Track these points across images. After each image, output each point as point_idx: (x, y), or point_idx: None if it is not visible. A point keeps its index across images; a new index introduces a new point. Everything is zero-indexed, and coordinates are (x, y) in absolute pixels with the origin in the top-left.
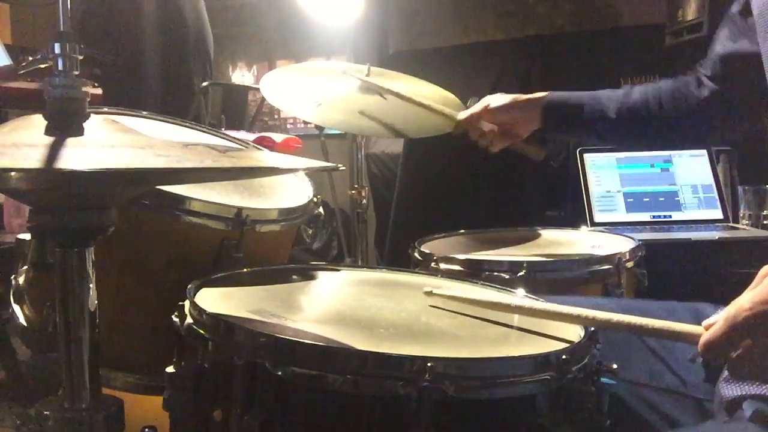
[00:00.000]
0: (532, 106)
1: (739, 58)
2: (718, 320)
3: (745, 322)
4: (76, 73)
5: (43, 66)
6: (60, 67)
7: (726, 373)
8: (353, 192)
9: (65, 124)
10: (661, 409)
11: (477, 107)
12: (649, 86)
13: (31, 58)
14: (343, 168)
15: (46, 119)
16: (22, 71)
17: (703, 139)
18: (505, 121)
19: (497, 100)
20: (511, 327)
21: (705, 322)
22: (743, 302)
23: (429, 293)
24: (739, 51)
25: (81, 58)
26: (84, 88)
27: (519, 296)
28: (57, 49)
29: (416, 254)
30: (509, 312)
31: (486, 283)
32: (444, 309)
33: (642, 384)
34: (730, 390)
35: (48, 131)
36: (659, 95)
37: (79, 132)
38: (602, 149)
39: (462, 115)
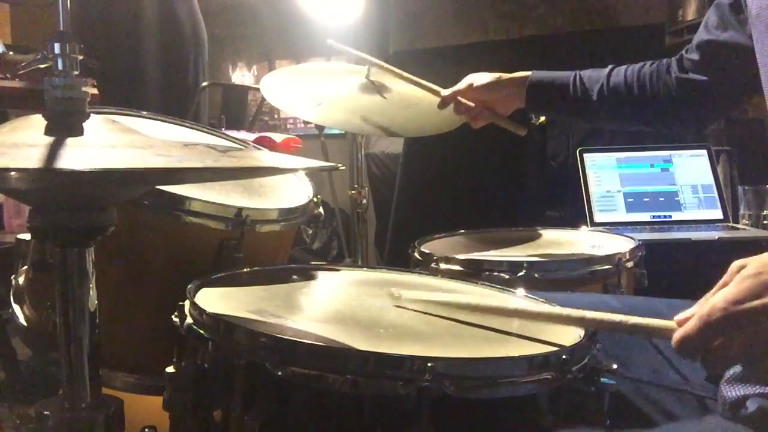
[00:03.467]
0: (515, 85)
1: (724, 47)
2: (691, 318)
3: (719, 322)
4: (76, 73)
5: (43, 66)
6: (60, 67)
7: (728, 374)
8: (353, 192)
9: (65, 124)
10: (663, 406)
11: (461, 84)
12: (633, 67)
13: (31, 58)
14: (343, 168)
15: (46, 119)
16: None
17: (681, 122)
18: (488, 99)
19: (481, 78)
20: (511, 327)
21: (677, 317)
22: (717, 301)
23: (397, 298)
24: (727, 41)
25: (81, 58)
26: (84, 88)
27: (519, 296)
28: (57, 49)
29: (416, 254)
30: (475, 313)
31: (486, 283)
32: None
33: (645, 381)
34: (733, 391)
35: (48, 131)
36: (641, 76)
37: (79, 132)
38: (602, 149)
39: (446, 92)
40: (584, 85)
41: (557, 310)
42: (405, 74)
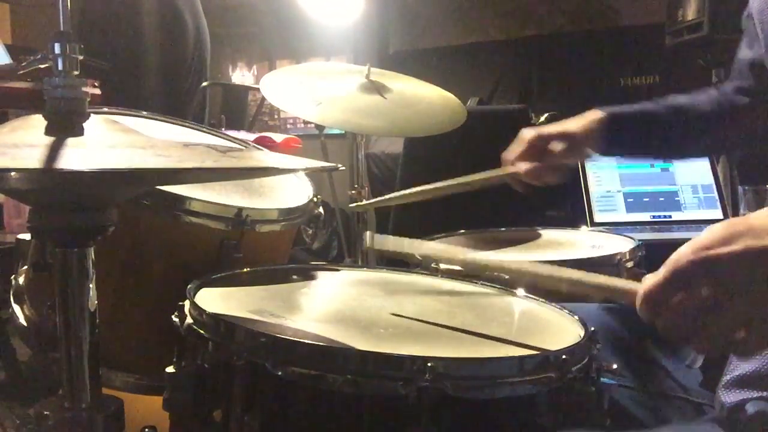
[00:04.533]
0: (586, 129)
1: (758, 65)
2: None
3: (687, 266)
4: (76, 73)
5: (43, 66)
6: (60, 67)
7: (725, 378)
8: (353, 192)
9: (65, 124)
10: (659, 413)
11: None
12: (698, 94)
13: (31, 58)
14: (343, 168)
15: (46, 119)
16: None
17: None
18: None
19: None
20: (512, 327)
21: (646, 277)
22: (685, 250)
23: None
24: (756, 58)
25: (81, 58)
26: (84, 88)
27: (519, 296)
28: (57, 49)
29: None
30: (449, 263)
31: (486, 283)
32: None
33: (640, 389)
34: (730, 396)
35: (48, 131)
36: (711, 100)
37: (79, 132)
38: None
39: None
40: (652, 113)
41: (524, 265)
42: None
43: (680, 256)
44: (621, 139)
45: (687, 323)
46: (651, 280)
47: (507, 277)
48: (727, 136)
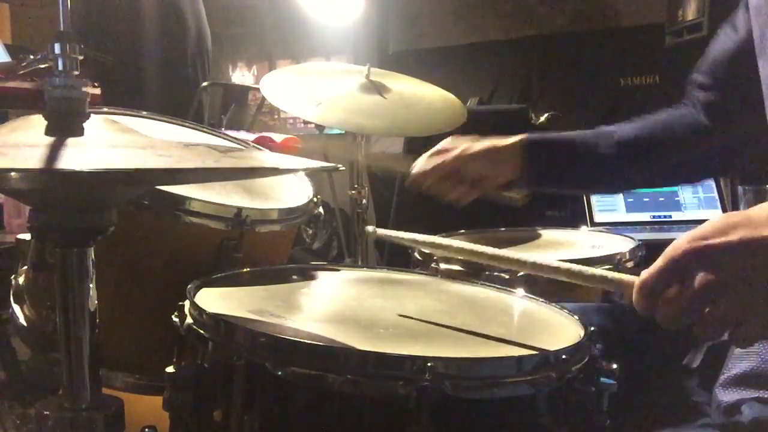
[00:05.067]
0: (507, 151)
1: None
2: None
3: (683, 256)
4: (76, 73)
5: (43, 66)
6: (60, 67)
7: (722, 377)
8: (353, 192)
9: (65, 124)
10: (658, 412)
11: (456, 152)
12: (647, 119)
13: (31, 58)
14: (343, 168)
15: (46, 119)
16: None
17: (714, 172)
18: (477, 171)
19: (474, 144)
20: (512, 327)
21: (643, 271)
22: (681, 240)
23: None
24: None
25: (81, 58)
26: (84, 88)
27: (519, 296)
28: (57, 49)
29: (416, 254)
30: (448, 254)
31: (486, 283)
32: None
33: (640, 388)
34: (727, 395)
35: (48, 131)
36: (663, 123)
37: (79, 132)
38: None
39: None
40: (591, 141)
41: (517, 255)
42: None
43: (676, 246)
44: (540, 164)
45: (682, 313)
46: (647, 270)
47: (505, 268)
48: (686, 162)
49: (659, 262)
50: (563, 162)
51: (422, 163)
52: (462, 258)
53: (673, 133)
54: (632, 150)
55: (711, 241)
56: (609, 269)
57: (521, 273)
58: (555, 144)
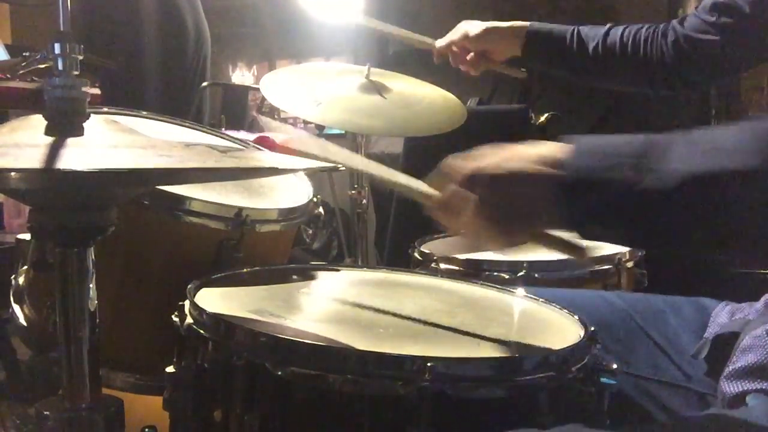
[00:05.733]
0: (512, 34)
1: (739, 11)
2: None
3: (469, 180)
4: (76, 73)
5: (43, 66)
6: (60, 67)
7: (728, 369)
8: (353, 192)
9: (65, 124)
10: (664, 402)
11: (454, 34)
12: (631, 28)
13: (31, 57)
14: (343, 168)
15: (46, 119)
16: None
17: (681, 84)
18: (485, 48)
19: (475, 27)
20: (512, 327)
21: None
22: (462, 164)
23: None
24: (741, 5)
25: (81, 57)
26: (84, 88)
27: (519, 296)
28: (57, 49)
29: (416, 254)
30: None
31: (486, 283)
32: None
33: (646, 378)
34: (732, 386)
35: (48, 131)
36: (637, 38)
37: (79, 132)
38: None
39: (440, 42)
40: (581, 40)
41: (340, 152)
42: (396, 31)
43: (460, 168)
44: (534, 51)
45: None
46: (444, 193)
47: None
48: (683, 71)
49: (453, 187)
50: (555, 52)
51: (439, 43)
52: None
53: (652, 46)
54: (613, 54)
55: (490, 170)
56: (609, 269)
57: (521, 274)
58: (551, 36)
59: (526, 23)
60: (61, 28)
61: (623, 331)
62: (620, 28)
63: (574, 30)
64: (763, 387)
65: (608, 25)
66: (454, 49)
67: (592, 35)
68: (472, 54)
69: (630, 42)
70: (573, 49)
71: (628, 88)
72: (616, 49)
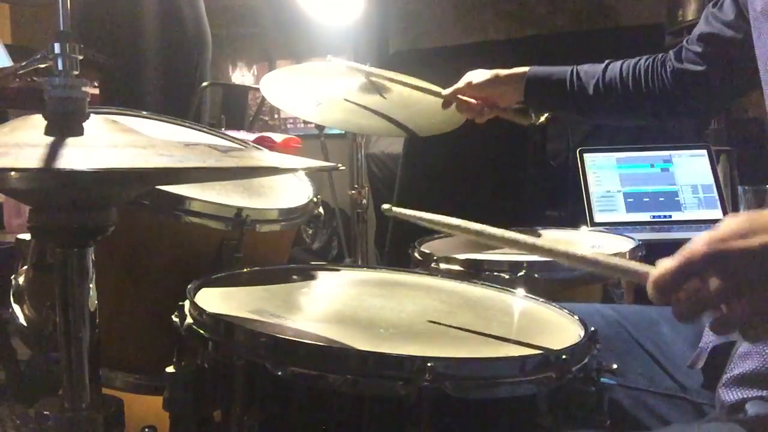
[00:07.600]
0: (513, 81)
1: (725, 40)
2: (672, 258)
3: (699, 258)
4: (76, 73)
5: (43, 66)
6: (60, 67)
7: (726, 377)
8: (353, 192)
9: (65, 124)
10: (659, 413)
11: (460, 83)
12: (629, 62)
13: (31, 57)
14: (343, 168)
15: (46, 119)
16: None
17: (678, 116)
18: (488, 95)
19: (479, 75)
20: (512, 327)
21: (659, 262)
22: (699, 241)
23: (388, 210)
24: (728, 35)
25: (81, 58)
26: (84, 88)
27: (519, 296)
28: (57, 49)
29: (416, 254)
30: (468, 235)
31: (486, 283)
32: (443, 309)
33: (641, 389)
34: (731, 394)
35: (48, 131)
36: (636, 71)
37: (79, 132)
38: (602, 149)
39: (446, 91)
40: (581, 81)
41: (533, 240)
42: (405, 79)
43: (695, 246)
44: (536, 96)
45: (696, 311)
46: (663, 265)
47: (525, 252)
48: (676, 102)
49: (676, 261)
50: (557, 96)
51: (445, 92)
52: (479, 240)
53: (653, 76)
54: (614, 90)
55: (730, 245)
56: None
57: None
58: (551, 79)
59: (526, 68)
60: (61, 28)
61: (617, 344)
62: (618, 64)
63: (573, 70)
64: (763, 394)
65: (606, 62)
66: (460, 97)
67: (591, 73)
68: (477, 102)
69: (630, 76)
70: (574, 90)
71: (635, 122)
72: (617, 84)
